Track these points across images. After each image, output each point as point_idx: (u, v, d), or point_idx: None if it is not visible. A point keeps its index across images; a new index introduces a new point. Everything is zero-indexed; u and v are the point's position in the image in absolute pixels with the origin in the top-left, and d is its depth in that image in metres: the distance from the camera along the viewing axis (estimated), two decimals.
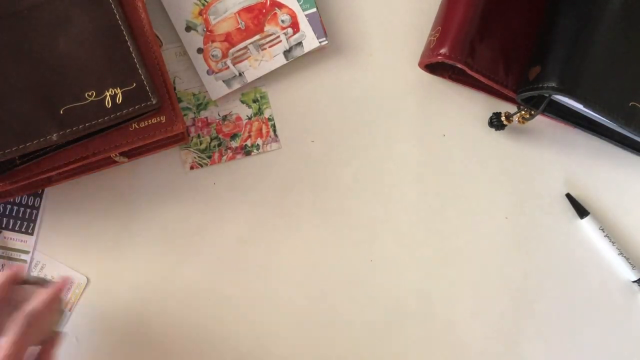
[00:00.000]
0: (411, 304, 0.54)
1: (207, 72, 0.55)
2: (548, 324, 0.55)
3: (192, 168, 0.55)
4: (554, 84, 0.49)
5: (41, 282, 0.47)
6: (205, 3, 0.55)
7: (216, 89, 0.55)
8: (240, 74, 0.55)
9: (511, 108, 0.55)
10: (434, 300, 0.55)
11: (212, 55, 0.55)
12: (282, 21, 0.55)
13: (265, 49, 0.55)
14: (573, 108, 0.53)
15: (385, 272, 0.55)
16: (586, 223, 0.56)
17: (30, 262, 0.53)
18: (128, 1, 0.50)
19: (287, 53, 0.55)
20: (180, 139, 0.54)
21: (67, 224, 0.54)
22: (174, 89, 0.55)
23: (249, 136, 0.56)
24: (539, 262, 0.56)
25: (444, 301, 0.55)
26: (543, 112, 0.53)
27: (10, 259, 0.53)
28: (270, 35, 0.55)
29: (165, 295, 0.54)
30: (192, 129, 0.55)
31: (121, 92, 0.47)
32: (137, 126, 0.49)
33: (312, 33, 0.55)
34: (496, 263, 0.55)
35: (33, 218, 0.54)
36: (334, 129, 0.56)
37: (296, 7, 0.55)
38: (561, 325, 0.55)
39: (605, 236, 0.55)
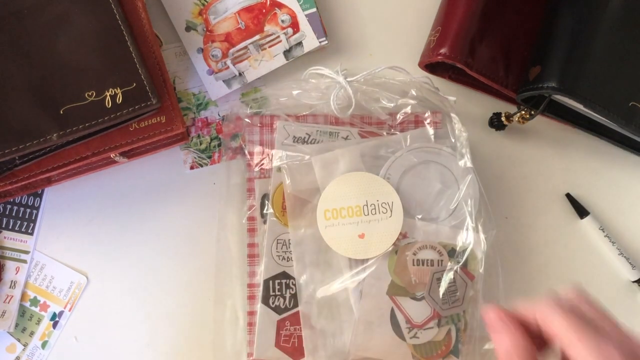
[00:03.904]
0: None
1: (207, 72, 0.55)
2: None
3: (192, 168, 0.55)
4: (554, 84, 0.49)
5: None
6: (205, 3, 0.55)
7: (216, 89, 0.55)
8: (240, 74, 0.55)
9: (511, 108, 0.55)
10: None
11: (212, 55, 0.55)
12: (282, 21, 0.55)
13: (265, 49, 0.55)
14: (573, 108, 0.53)
15: None
16: (586, 223, 0.56)
17: (30, 262, 0.53)
18: (128, 1, 0.50)
19: (287, 53, 0.55)
20: (180, 139, 0.54)
21: (67, 224, 0.54)
22: (174, 89, 0.55)
23: None
24: (539, 262, 0.56)
25: None
26: (543, 112, 0.53)
27: (9, 259, 0.54)
28: (270, 35, 0.55)
29: (165, 295, 0.54)
30: (192, 129, 0.55)
31: (121, 92, 0.47)
32: (137, 126, 0.49)
33: (312, 33, 0.55)
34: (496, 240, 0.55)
35: (33, 218, 0.54)
36: None
37: (296, 7, 0.55)
38: None
39: (605, 236, 0.55)
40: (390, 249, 0.49)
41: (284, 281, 0.51)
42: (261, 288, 0.50)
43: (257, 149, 0.52)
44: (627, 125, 0.50)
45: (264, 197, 0.52)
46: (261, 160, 0.52)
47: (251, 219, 0.52)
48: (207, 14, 0.55)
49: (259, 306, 0.50)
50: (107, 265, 0.54)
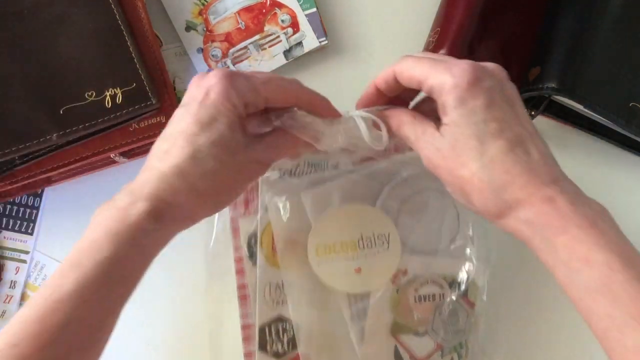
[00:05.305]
0: None
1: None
2: (549, 324, 0.55)
3: None
4: (553, 85, 0.49)
5: None
6: (205, 3, 0.55)
7: None
8: None
9: None
10: None
11: (212, 55, 0.55)
12: (282, 21, 0.55)
13: (265, 48, 0.55)
14: (573, 108, 0.53)
15: None
16: None
17: (30, 262, 0.54)
18: (128, 1, 0.50)
19: (287, 53, 0.55)
20: None
21: (67, 224, 0.54)
22: (174, 89, 0.55)
23: None
24: (539, 263, 0.55)
25: None
26: (543, 113, 0.53)
27: (9, 259, 0.54)
28: (270, 35, 0.55)
29: (164, 294, 0.54)
30: None
31: (121, 92, 0.48)
32: (137, 126, 0.49)
33: (312, 33, 0.55)
34: (497, 263, 0.55)
35: (33, 218, 0.54)
36: None
37: (296, 7, 0.55)
38: (562, 326, 0.55)
39: None
40: (392, 286, 0.47)
41: (280, 325, 0.48)
42: (257, 336, 0.47)
43: None
44: (627, 125, 0.50)
45: (252, 237, 0.48)
46: (245, 198, 0.48)
47: (238, 260, 0.48)
48: (207, 14, 0.55)
49: (256, 354, 0.48)
50: None
